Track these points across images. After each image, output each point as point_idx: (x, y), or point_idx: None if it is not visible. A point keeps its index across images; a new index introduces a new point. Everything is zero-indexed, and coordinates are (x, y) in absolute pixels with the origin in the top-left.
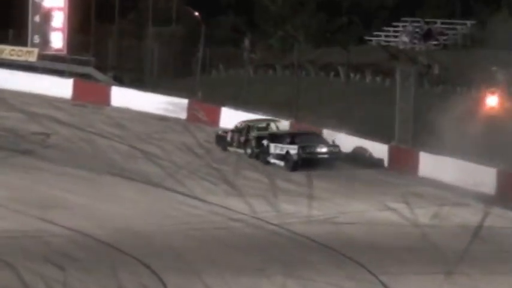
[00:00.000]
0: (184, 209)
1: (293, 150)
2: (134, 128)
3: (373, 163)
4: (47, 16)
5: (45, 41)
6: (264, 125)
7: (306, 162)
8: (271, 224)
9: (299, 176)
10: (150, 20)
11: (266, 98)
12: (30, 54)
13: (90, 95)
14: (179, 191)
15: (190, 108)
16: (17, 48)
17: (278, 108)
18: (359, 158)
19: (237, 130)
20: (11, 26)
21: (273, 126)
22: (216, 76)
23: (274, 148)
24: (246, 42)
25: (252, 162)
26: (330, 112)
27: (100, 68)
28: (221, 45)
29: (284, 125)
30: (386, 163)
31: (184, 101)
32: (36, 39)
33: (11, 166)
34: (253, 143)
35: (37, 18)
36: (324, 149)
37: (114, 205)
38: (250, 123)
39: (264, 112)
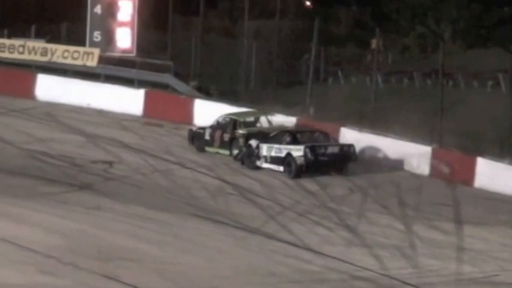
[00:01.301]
0: (291, 264)
1: (297, 151)
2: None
3: None
4: (111, 7)
5: (108, 40)
6: (252, 119)
7: (315, 166)
8: (408, 284)
9: (443, 222)
10: (246, 12)
11: (399, 115)
12: (89, 56)
13: (166, 110)
14: (285, 239)
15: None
16: (72, 48)
17: (415, 129)
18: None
19: (219, 126)
20: (64, 19)
21: (263, 120)
22: (333, 86)
23: (268, 149)
24: (374, 43)
25: (386, 202)
26: (487, 136)
27: (180, 75)
28: (340, 46)
29: (279, 120)
30: None
31: (292, 120)
32: (97, 36)
33: (64, 205)
34: (241, 141)
35: (98, 10)
36: (336, 150)
37: (198, 257)
38: (236, 117)
39: (397, 134)
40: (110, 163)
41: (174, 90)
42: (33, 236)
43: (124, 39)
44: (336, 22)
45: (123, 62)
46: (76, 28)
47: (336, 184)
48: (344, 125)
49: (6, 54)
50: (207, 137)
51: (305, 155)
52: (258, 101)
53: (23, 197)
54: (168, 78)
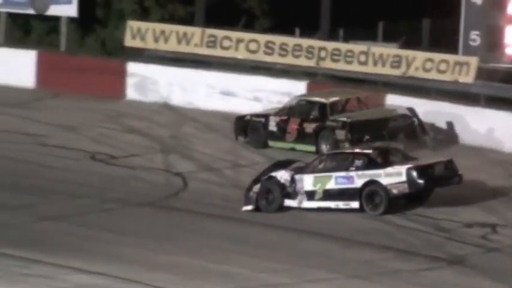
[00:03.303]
0: None
1: (390, 177)
2: None
3: None
4: None
5: (491, 44)
6: (342, 101)
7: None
8: None
9: None
10: None
11: None
12: (462, 68)
13: None
14: None
15: None
16: (437, 56)
17: None
18: None
19: (293, 112)
20: (425, 13)
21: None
22: None
23: (318, 181)
24: None
25: None
26: None
27: None
28: None
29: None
30: None
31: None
32: (475, 39)
33: None
34: (340, 134)
35: None
36: (442, 169)
37: None
38: (323, 100)
39: None
40: (493, 226)
41: None
42: None
43: None
44: None
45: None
46: (443, 26)
47: None
48: None
49: (341, 65)
50: (272, 127)
51: (410, 181)
52: None
53: (367, 276)
54: None
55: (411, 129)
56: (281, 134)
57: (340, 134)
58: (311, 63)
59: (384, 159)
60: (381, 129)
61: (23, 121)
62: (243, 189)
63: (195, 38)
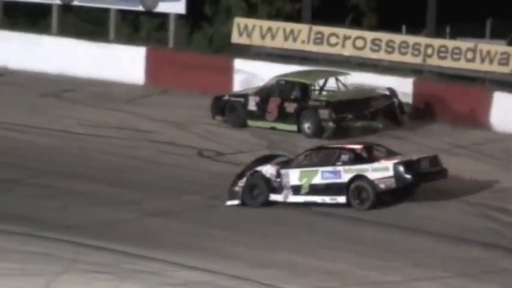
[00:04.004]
0: None
1: (376, 172)
2: None
3: None
4: None
5: None
6: (321, 81)
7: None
8: None
9: None
10: None
11: None
12: None
13: None
14: None
15: None
16: None
17: None
18: None
19: (273, 92)
20: None
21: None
22: None
23: (304, 176)
24: None
25: None
26: None
27: None
28: None
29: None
30: None
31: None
32: None
33: None
34: (324, 113)
35: None
36: (428, 164)
37: None
38: (305, 80)
39: None
40: None
41: None
42: None
43: None
44: None
45: None
46: None
47: None
48: None
49: (448, 63)
50: (251, 107)
51: (397, 176)
52: None
53: (476, 275)
54: None
55: (391, 109)
56: (261, 113)
57: (324, 114)
58: (417, 60)
59: (369, 154)
60: (363, 109)
61: (133, 117)
62: None
63: (302, 34)
